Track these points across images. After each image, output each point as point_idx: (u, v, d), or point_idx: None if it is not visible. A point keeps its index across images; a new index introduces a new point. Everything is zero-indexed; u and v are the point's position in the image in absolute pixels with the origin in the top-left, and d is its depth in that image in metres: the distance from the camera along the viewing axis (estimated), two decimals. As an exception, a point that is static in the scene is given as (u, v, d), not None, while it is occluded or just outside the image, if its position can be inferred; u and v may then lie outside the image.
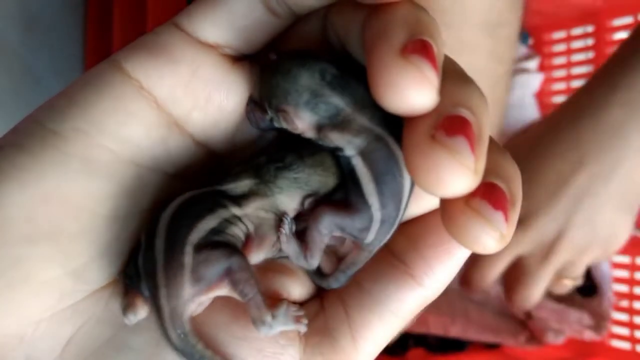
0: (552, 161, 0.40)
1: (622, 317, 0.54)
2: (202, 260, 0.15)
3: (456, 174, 0.12)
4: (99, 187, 0.16)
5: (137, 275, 0.16)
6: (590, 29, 0.58)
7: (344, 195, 0.17)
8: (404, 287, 0.18)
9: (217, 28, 0.17)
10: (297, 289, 0.19)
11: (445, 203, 0.14)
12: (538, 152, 0.41)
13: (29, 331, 0.16)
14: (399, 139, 0.15)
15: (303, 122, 0.17)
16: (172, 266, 0.15)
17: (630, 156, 0.39)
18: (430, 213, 0.18)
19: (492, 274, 0.43)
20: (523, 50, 0.59)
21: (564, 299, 0.53)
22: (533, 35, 0.61)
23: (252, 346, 0.17)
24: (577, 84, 0.59)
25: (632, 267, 0.54)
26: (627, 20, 0.55)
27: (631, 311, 0.53)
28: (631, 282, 0.54)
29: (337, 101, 0.16)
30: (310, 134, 0.17)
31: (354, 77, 0.16)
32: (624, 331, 0.54)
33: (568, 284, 0.46)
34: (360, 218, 0.17)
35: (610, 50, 0.56)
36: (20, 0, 0.53)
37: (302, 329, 0.17)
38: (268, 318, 0.16)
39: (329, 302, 0.19)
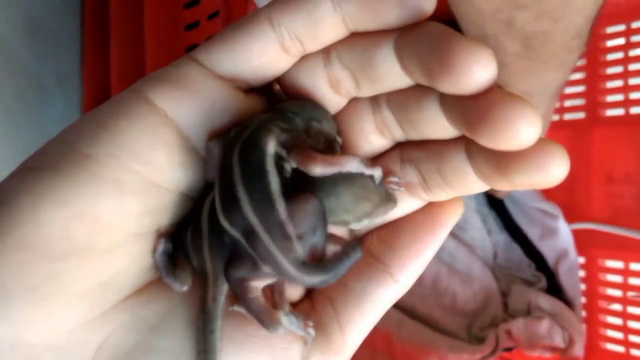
0: None
1: (616, 321, 0.55)
2: None
3: (535, 121, 0.15)
4: (127, 207, 0.17)
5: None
6: (584, 36, 0.58)
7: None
8: (383, 284, 0.20)
9: (234, 64, 0.18)
10: (294, 291, 0.21)
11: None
12: None
13: (62, 340, 0.16)
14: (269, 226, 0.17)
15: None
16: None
17: None
18: (403, 218, 0.21)
19: None
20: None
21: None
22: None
23: (264, 343, 0.18)
24: (570, 90, 0.60)
25: (625, 272, 0.55)
26: (620, 27, 0.56)
27: (625, 315, 0.54)
28: (624, 286, 0.55)
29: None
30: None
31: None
32: (618, 335, 0.54)
33: None
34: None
35: (604, 56, 0.57)
36: (23, 7, 0.54)
37: (310, 332, 0.19)
38: (287, 308, 0.18)
39: (318, 301, 0.20)
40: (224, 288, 0.18)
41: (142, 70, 0.50)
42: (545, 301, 0.55)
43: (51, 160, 0.17)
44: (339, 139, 0.20)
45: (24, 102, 0.54)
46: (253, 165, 0.17)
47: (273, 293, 0.19)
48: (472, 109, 0.16)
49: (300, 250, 0.17)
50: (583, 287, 0.57)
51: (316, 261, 0.17)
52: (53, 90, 0.58)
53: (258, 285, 0.18)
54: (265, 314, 0.18)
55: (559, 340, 0.52)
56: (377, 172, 0.18)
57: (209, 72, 0.18)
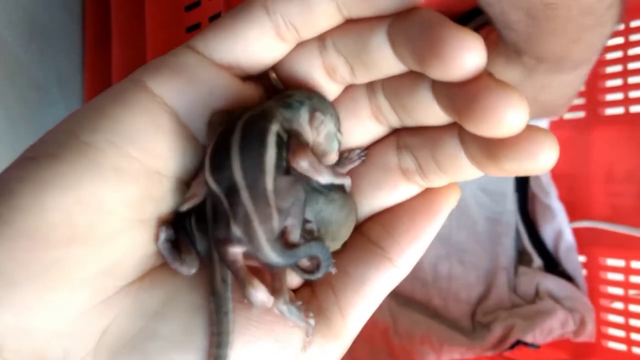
0: None
1: (618, 319, 0.55)
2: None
3: (522, 109, 0.15)
4: (127, 193, 0.17)
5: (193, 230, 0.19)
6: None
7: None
8: (382, 269, 0.20)
9: (231, 52, 0.19)
10: (294, 277, 0.21)
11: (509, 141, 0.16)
12: None
13: (66, 326, 0.17)
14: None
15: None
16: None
17: None
18: (401, 204, 0.21)
19: None
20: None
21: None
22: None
23: (267, 327, 0.19)
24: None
25: (626, 271, 0.55)
26: (619, 26, 0.56)
27: (626, 313, 0.54)
28: (626, 285, 0.55)
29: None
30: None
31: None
32: (620, 333, 0.54)
33: None
34: None
35: (603, 55, 0.57)
36: (24, 10, 0.54)
37: (311, 322, 0.19)
38: (287, 297, 0.18)
39: (319, 287, 0.21)
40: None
41: (143, 72, 0.50)
42: (554, 284, 0.55)
43: (52, 149, 0.17)
44: (340, 136, 0.20)
45: (24, 103, 0.54)
46: (254, 135, 0.17)
47: (273, 280, 0.18)
48: (460, 96, 0.16)
49: (276, 223, 0.17)
50: (584, 285, 0.57)
51: (286, 245, 0.17)
52: (53, 91, 0.58)
53: (236, 250, 0.17)
54: (243, 280, 0.18)
55: (571, 326, 0.52)
56: (347, 182, 0.20)
57: (206, 60, 0.19)
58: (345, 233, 0.20)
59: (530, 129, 0.16)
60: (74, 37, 0.61)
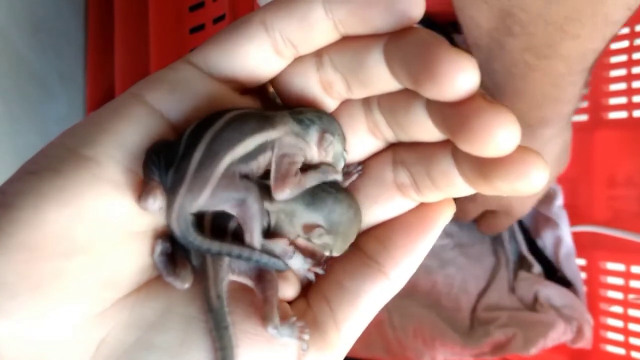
0: None
1: (617, 323, 0.55)
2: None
3: (513, 131, 0.15)
4: (126, 206, 0.18)
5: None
6: (587, 38, 0.58)
7: None
8: (377, 283, 0.20)
9: (229, 67, 0.19)
10: (289, 289, 0.21)
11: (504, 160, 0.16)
12: None
13: (64, 337, 0.17)
14: None
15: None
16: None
17: None
18: (396, 218, 0.21)
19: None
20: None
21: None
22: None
23: (262, 340, 0.19)
24: (574, 92, 0.59)
25: (626, 275, 0.55)
26: (624, 30, 0.56)
27: (625, 318, 0.54)
28: (626, 289, 0.55)
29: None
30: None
31: None
32: (618, 337, 0.54)
33: None
34: None
35: (608, 59, 0.57)
36: (27, 6, 0.54)
37: (305, 337, 0.19)
38: (277, 320, 0.18)
39: (314, 300, 0.21)
40: (225, 284, 0.19)
41: (146, 71, 0.50)
42: (554, 292, 0.55)
43: (52, 162, 0.17)
44: (346, 155, 0.20)
45: (26, 101, 0.54)
46: (248, 124, 0.18)
47: (264, 305, 0.19)
48: (454, 116, 0.16)
49: (204, 200, 0.17)
50: (584, 289, 0.57)
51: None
52: (56, 89, 0.58)
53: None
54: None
55: (569, 335, 0.52)
56: (338, 176, 0.20)
57: (205, 74, 0.19)
58: (354, 232, 0.20)
59: (521, 149, 0.16)
60: (76, 32, 0.61)
